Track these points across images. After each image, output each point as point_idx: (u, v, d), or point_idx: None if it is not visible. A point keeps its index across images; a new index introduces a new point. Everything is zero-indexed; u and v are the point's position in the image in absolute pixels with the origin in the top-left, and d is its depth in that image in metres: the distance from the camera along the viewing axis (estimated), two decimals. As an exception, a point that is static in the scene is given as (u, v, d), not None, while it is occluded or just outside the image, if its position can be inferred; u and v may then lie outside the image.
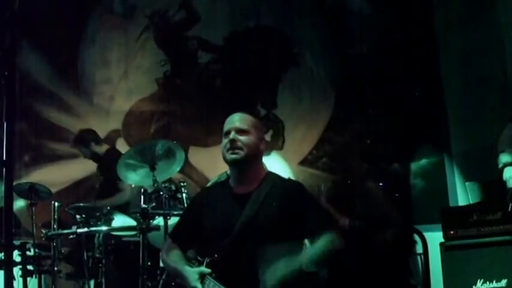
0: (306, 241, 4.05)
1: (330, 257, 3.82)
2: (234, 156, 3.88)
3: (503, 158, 5.37)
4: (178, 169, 6.44)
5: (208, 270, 3.82)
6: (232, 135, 3.90)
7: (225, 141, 3.93)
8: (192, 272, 3.85)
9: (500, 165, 5.39)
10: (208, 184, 6.55)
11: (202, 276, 3.80)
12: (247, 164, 3.93)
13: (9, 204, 2.74)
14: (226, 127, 3.98)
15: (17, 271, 6.53)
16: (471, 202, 6.84)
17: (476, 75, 7.51)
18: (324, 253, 3.76)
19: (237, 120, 3.99)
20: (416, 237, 6.59)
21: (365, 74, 8.11)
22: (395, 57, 7.98)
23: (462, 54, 7.72)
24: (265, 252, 3.72)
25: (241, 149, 3.88)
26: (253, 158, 3.95)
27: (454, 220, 6.00)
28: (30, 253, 6.58)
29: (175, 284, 5.44)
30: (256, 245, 3.75)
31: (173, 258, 4.04)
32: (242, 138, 3.90)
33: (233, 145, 3.88)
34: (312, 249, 3.78)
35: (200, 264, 3.89)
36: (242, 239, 3.79)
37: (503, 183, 5.39)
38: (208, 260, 3.87)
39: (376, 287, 5.94)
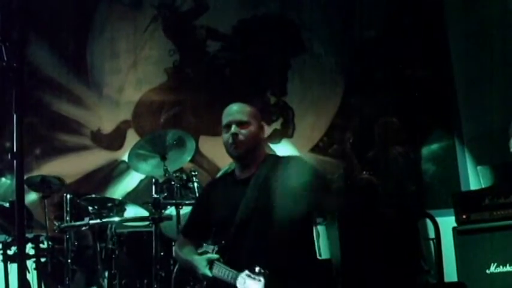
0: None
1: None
2: (237, 151, 3.94)
3: (515, 142, 5.36)
4: (189, 158, 6.45)
5: (216, 256, 3.86)
6: (233, 129, 3.92)
7: (226, 135, 3.96)
8: (200, 260, 3.89)
9: (512, 150, 5.38)
10: (219, 173, 6.54)
11: (210, 263, 3.84)
12: (249, 155, 3.98)
13: (21, 197, 2.75)
14: (225, 120, 4.00)
15: (30, 264, 6.56)
16: (483, 186, 6.83)
17: (487, 58, 7.47)
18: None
19: (236, 112, 4.00)
20: (429, 222, 6.58)
21: (374, 58, 8.09)
22: (404, 41, 7.95)
23: (473, 37, 7.68)
24: (268, 234, 3.76)
25: (243, 142, 3.92)
26: (254, 148, 4.00)
27: (466, 204, 6.01)
28: (44, 246, 6.60)
29: (189, 275, 5.45)
30: (259, 226, 3.79)
31: (185, 252, 4.09)
32: (244, 131, 3.93)
33: (236, 140, 3.91)
34: None
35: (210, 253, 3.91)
36: (245, 223, 3.82)
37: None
38: (216, 248, 3.91)
39: (390, 272, 5.93)
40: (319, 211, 3.97)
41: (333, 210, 3.85)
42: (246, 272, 3.60)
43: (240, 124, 3.93)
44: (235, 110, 4.00)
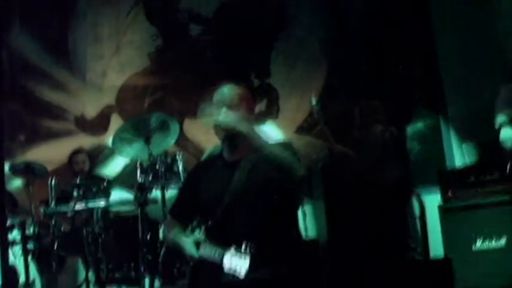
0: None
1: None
2: (226, 132, 3.88)
3: (500, 119, 5.35)
4: (173, 141, 6.43)
5: (203, 237, 3.84)
6: (225, 110, 3.88)
7: (216, 115, 3.90)
8: (187, 241, 3.88)
9: (497, 126, 5.38)
10: (204, 155, 6.54)
11: (197, 244, 3.82)
12: (239, 137, 3.91)
13: (1, 180, 2.72)
14: (216, 100, 3.95)
15: (17, 250, 6.54)
16: (468, 163, 6.85)
17: (471, 35, 7.47)
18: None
19: (227, 94, 3.95)
20: (414, 200, 6.61)
21: (357, 38, 8.07)
22: (387, 21, 7.93)
23: (456, 15, 7.67)
24: (256, 217, 3.77)
25: (234, 125, 3.85)
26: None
27: (451, 182, 6.03)
28: (30, 231, 6.58)
29: (176, 257, 5.45)
30: (247, 209, 3.79)
31: (173, 233, 4.07)
32: (234, 114, 3.87)
33: (226, 121, 3.85)
34: None
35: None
36: (233, 205, 3.81)
37: (500, 143, 5.38)
38: (203, 228, 3.89)
39: (376, 251, 5.95)
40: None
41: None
42: (233, 248, 3.59)
43: (232, 106, 3.89)
44: (227, 93, 3.96)
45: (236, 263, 3.55)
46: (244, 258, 3.52)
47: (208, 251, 3.75)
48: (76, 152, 7.66)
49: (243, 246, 3.55)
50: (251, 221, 3.77)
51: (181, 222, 4.09)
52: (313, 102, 6.45)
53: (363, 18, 8.15)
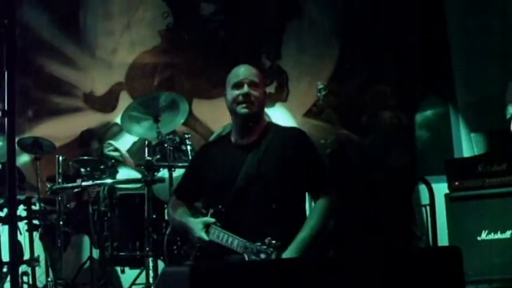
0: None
1: (327, 223, 3.84)
2: (247, 110, 3.85)
3: (511, 109, 5.34)
4: (182, 121, 6.42)
5: (213, 220, 3.80)
6: (246, 88, 3.85)
7: (235, 93, 3.87)
8: (196, 223, 3.84)
9: (508, 116, 5.36)
10: (212, 136, 6.52)
11: (206, 226, 3.79)
12: (256, 118, 3.91)
13: (12, 155, 2.72)
14: (235, 79, 3.91)
15: (22, 226, 6.56)
16: (476, 153, 6.84)
17: (483, 24, 7.43)
18: (322, 225, 3.78)
19: (248, 73, 3.93)
20: (421, 188, 6.59)
21: (369, 24, 8.04)
22: (400, 7, 7.89)
23: (468, 4, 7.63)
24: (268, 202, 3.75)
25: (253, 103, 3.85)
26: (261, 111, 3.96)
27: (459, 171, 6.02)
28: (36, 207, 6.59)
29: (180, 238, 5.45)
30: (259, 194, 3.77)
31: (178, 213, 4.03)
32: (255, 92, 3.86)
33: (247, 99, 3.84)
34: (309, 224, 3.74)
35: (205, 216, 3.88)
36: (245, 189, 3.79)
37: (511, 134, 5.37)
38: (212, 211, 3.86)
39: (382, 237, 5.95)
40: (308, 189, 3.93)
41: (320, 194, 3.82)
42: (256, 244, 3.55)
43: (252, 84, 3.87)
44: (247, 70, 3.93)
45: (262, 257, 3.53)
46: (271, 252, 3.50)
47: (222, 237, 3.71)
48: (90, 137, 7.60)
49: (267, 241, 3.52)
50: (264, 206, 3.75)
51: (185, 202, 4.07)
52: (320, 86, 6.43)
53: (375, 4, 8.10)
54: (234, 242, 3.66)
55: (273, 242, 3.50)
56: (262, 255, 3.51)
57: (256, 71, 3.97)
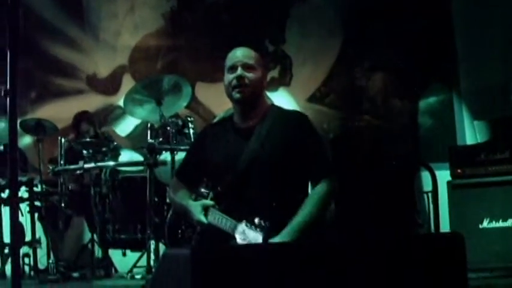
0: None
1: (325, 209, 3.78)
2: (241, 94, 3.80)
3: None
4: (185, 104, 6.41)
5: (212, 203, 3.79)
6: (239, 71, 3.79)
7: (230, 76, 3.82)
8: (195, 206, 3.83)
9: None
10: (215, 120, 6.51)
11: (205, 209, 3.78)
12: (253, 102, 3.86)
13: (14, 136, 2.72)
14: (230, 62, 3.85)
15: (24, 207, 6.57)
16: (479, 141, 6.82)
17: (488, 11, 7.40)
18: (320, 211, 3.72)
19: (242, 55, 3.85)
20: (423, 175, 6.58)
21: (373, 9, 8.00)
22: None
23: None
24: (269, 186, 3.72)
25: (247, 86, 3.79)
26: (258, 94, 3.88)
27: (461, 159, 5.99)
28: (38, 189, 6.60)
29: (184, 221, 5.45)
30: (261, 177, 3.74)
31: (179, 195, 4.02)
32: (249, 75, 3.79)
33: (240, 82, 3.78)
34: (305, 209, 3.68)
35: (205, 198, 3.87)
36: (247, 172, 3.75)
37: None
38: (212, 194, 3.86)
39: (382, 224, 5.95)
40: (307, 174, 3.87)
41: (319, 179, 3.76)
42: (245, 222, 3.56)
43: (246, 67, 3.80)
44: (242, 53, 3.86)
45: (249, 236, 3.53)
46: (259, 232, 3.49)
47: (218, 220, 3.70)
48: (81, 119, 7.53)
49: (257, 220, 3.52)
50: (265, 189, 3.72)
51: (187, 185, 4.05)
52: None
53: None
54: (227, 223, 3.65)
55: (262, 222, 3.50)
56: (251, 235, 3.51)
57: (252, 53, 3.90)
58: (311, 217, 3.65)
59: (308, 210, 3.67)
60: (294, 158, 3.76)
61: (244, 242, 3.52)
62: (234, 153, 3.81)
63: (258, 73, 3.85)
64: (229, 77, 3.83)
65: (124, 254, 6.55)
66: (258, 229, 3.49)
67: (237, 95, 3.81)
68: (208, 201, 3.82)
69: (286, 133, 3.81)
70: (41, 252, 6.62)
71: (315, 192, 3.76)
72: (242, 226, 3.56)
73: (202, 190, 3.94)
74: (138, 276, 5.89)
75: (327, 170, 3.83)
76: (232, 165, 3.79)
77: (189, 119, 6.17)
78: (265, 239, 3.47)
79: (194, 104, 7.99)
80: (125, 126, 8.33)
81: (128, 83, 8.35)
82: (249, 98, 3.82)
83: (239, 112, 3.93)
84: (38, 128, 6.68)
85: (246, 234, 3.53)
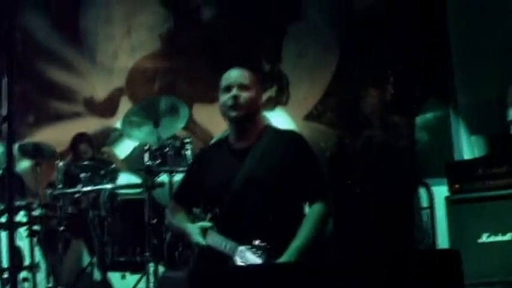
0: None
1: (323, 230, 3.78)
2: (236, 113, 3.82)
3: (513, 111, 5.34)
4: (182, 125, 6.41)
5: (210, 224, 3.80)
6: (234, 91, 3.81)
7: (225, 96, 3.84)
8: (193, 228, 3.84)
9: (509, 118, 5.36)
10: (212, 141, 6.52)
11: (203, 231, 3.79)
12: (248, 121, 3.88)
13: (11, 160, 2.72)
14: (225, 82, 3.88)
15: (23, 231, 6.55)
16: (476, 156, 6.83)
17: (484, 26, 7.43)
18: (318, 232, 3.72)
19: (237, 75, 3.89)
20: (421, 191, 6.58)
21: (370, 27, 8.03)
22: (400, 10, 7.89)
23: (470, 4, 7.63)
24: (264, 206, 3.72)
25: (243, 106, 3.81)
26: (253, 114, 3.89)
27: (459, 174, 6.00)
28: (36, 213, 6.59)
29: (182, 243, 5.45)
30: (256, 198, 3.74)
31: (177, 218, 4.04)
32: (244, 94, 3.82)
33: (235, 102, 3.80)
34: (303, 231, 3.68)
35: (203, 220, 3.87)
36: (242, 193, 3.76)
37: (511, 136, 5.36)
38: (210, 216, 3.86)
39: (380, 240, 5.95)
40: (304, 194, 3.87)
41: (315, 199, 3.77)
42: (246, 246, 3.56)
43: (241, 87, 3.83)
44: (237, 74, 3.89)
45: (249, 258, 3.52)
46: (259, 254, 3.49)
47: (217, 241, 3.71)
48: (79, 140, 7.55)
49: (257, 242, 3.52)
50: (261, 210, 3.72)
51: (185, 207, 4.06)
52: None
53: (376, 9, 8.10)
54: (227, 245, 3.65)
55: (262, 244, 3.50)
56: (251, 258, 3.51)
57: (247, 73, 3.93)
58: (308, 241, 3.66)
59: (305, 233, 3.68)
60: (289, 179, 3.77)
61: (244, 264, 3.52)
62: (230, 174, 3.83)
63: (253, 93, 3.87)
64: (224, 97, 3.86)
65: (123, 277, 6.53)
66: (258, 251, 3.50)
67: (232, 114, 3.83)
68: (206, 223, 3.83)
69: (281, 153, 3.82)
70: (40, 276, 6.60)
71: (311, 214, 3.77)
72: (242, 248, 3.57)
73: (197, 212, 3.95)
74: (137, 299, 5.88)
75: (323, 190, 3.84)
76: (228, 186, 3.79)
77: (186, 140, 6.18)
78: (266, 261, 3.48)
79: (192, 125, 8.00)
80: (123, 149, 8.33)
81: (125, 105, 8.35)
82: (244, 117, 3.84)
83: (234, 132, 3.94)
84: (36, 152, 6.68)
85: (246, 257, 3.53)
